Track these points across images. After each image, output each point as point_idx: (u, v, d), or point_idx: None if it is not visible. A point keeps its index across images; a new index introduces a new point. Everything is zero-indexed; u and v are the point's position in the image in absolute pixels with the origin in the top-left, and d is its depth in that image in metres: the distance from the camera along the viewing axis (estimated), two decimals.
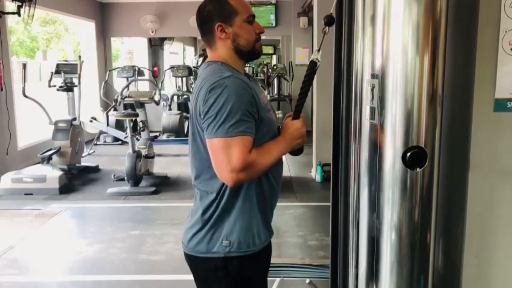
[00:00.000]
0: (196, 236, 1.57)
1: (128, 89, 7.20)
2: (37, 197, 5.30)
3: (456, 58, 1.42)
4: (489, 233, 1.63)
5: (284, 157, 1.61)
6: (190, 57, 16.52)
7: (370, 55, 1.34)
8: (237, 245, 1.53)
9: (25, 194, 5.35)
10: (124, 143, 7.88)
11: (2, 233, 4.32)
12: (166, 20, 10.05)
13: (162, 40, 12.49)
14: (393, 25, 1.29)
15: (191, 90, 10.16)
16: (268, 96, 9.77)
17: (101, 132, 8.46)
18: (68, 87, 6.72)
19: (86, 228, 4.54)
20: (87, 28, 9.69)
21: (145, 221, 4.64)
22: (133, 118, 6.04)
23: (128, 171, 5.47)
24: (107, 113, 7.98)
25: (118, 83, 9.98)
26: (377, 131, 1.34)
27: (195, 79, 9.92)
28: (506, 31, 1.50)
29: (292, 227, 4.35)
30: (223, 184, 1.50)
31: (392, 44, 1.29)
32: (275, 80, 10.09)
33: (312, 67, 1.54)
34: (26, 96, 6.32)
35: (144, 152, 5.87)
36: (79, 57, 7.15)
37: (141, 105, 6.67)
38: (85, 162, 6.91)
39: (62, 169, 5.94)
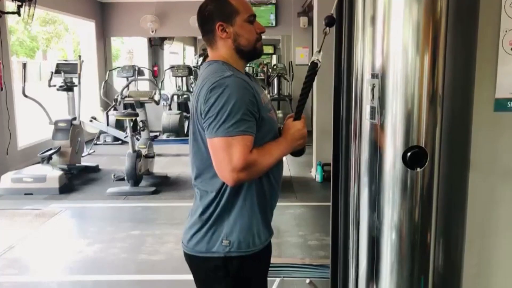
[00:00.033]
0: (196, 236, 1.56)
1: (128, 89, 7.21)
2: (37, 197, 5.30)
3: (456, 58, 1.42)
4: (489, 233, 1.63)
5: (284, 157, 1.61)
6: (190, 57, 16.52)
7: (370, 55, 1.34)
8: (237, 245, 1.53)
9: (25, 194, 5.35)
10: (124, 142, 7.88)
11: (2, 233, 4.32)
12: (166, 20, 10.05)
13: (162, 40, 12.49)
14: (394, 25, 1.29)
15: (191, 90, 10.16)
16: (268, 96, 9.76)
17: (101, 132, 8.46)
18: (68, 87, 6.72)
19: (86, 228, 4.54)
20: (87, 28, 9.69)
21: (145, 221, 4.64)
22: (133, 118, 6.04)
23: (128, 171, 5.47)
24: (107, 113, 7.99)
25: (118, 82, 9.98)
26: (377, 131, 1.34)
27: (195, 78, 9.93)
28: (506, 31, 1.50)
29: (292, 227, 4.35)
30: (224, 183, 1.49)
31: (392, 44, 1.29)
32: (275, 80, 10.09)
33: (313, 68, 1.53)
34: (26, 96, 6.32)
35: (144, 152, 5.87)
36: (79, 56, 7.15)
37: (141, 104, 6.67)
38: (85, 162, 6.91)
39: (62, 169, 5.94)
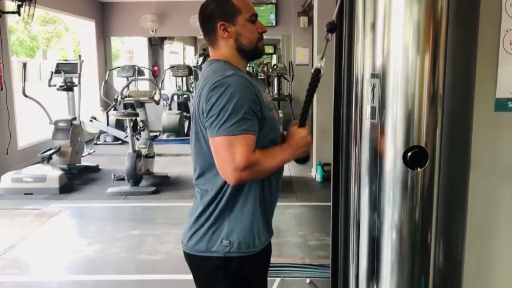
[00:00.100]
0: (196, 235, 1.56)
1: (128, 89, 7.21)
2: (37, 197, 5.30)
3: (456, 58, 1.42)
4: (490, 232, 1.63)
5: None
6: (190, 57, 16.53)
7: (370, 55, 1.34)
8: (237, 245, 1.53)
9: (25, 194, 5.35)
10: (124, 142, 7.89)
11: (2, 233, 4.32)
12: (166, 19, 10.05)
13: (162, 39, 12.49)
14: (394, 25, 1.29)
15: (191, 89, 10.16)
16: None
17: (101, 132, 8.46)
18: (68, 87, 6.72)
19: (86, 227, 4.54)
20: (87, 28, 9.69)
21: (145, 220, 4.64)
22: (133, 118, 6.04)
23: (128, 171, 5.47)
24: (107, 113, 7.99)
25: (118, 82, 9.97)
26: (377, 130, 1.34)
27: (195, 78, 9.92)
28: (507, 31, 1.50)
29: (292, 227, 4.35)
30: (225, 182, 1.49)
31: (393, 43, 1.29)
32: (275, 80, 10.08)
33: (316, 75, 1.52)
34: (26, 96, 6.32)
35: (144, 151, 5.87)
36: (79, 56, 7.15)
37: (141, 104, 6.67)
38: (85, 161, 6.92)
39: (62, 169, 5.94)
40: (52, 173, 5.54)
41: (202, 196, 1.57)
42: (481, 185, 1.58)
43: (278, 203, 1.67)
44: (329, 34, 1.46)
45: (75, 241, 4.17)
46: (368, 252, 1.42)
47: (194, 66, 10.69)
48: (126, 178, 5.54)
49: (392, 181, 1.33)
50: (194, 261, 1.60)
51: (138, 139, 6.44)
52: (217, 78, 1.45)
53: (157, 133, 9.34)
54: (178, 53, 16.01)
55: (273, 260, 1.77)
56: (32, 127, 8.61)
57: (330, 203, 1.74)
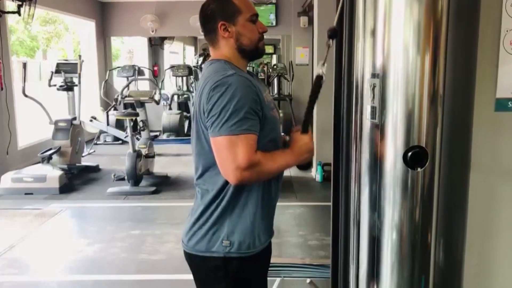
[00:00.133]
0: (196, 235, 1.56)
1: (128, 89, 7.21)
2: (37, 197, 5.30)
3: (457, 58, 1.42)
4: (490, 232, 1.63)
5: None
6: (190, 57, 16.53)
7: (371, 54, 1.34)
8: (237, 245, 1.53)
9: (25, 194, 5.35)
10: (124, 142, 7.89)
11: (2, 233, 4.32)
12: (166, 19, 10.05)
13: (162, 39, 12.49)
14: (394, 25, 1.28)
15: (191, 89, 10.16)
16: None
17: (101, 132, 8.46)
18: (68, 87, 6.72)
19: (86, 227, 4.54)
20: (87, 28, 9.69)
21: (145, 220, 4.64)
22: (133, 118, 6.04)
23: (128, 171, 5.47)
24: (107, 113, 7.99)
25: (118, 82, 9.98)
26: (378, 130, 1.34)
27: (195, 78, 9.92)
28: (507, 31, 1.50)
29: (292, 227, 4.35)
30: (226, 182, 1.49)
31: (393, 43, 1.29)
32: (275, 80, 10.08)
33: (318, 81, 1.52)
34: (26, 96, 6.32)
35: (144, 151, 5.87)
36: (79, 56, 7.15)
37: (141, 104, 6.68)
38: (85, 161, 6.91)
39: (62, 169, 5.94)
40: (52, 173, 5.54)
41: (203, 196, 1.57)
42: (481, 185, 1.58)
43: (278, 203, 1.67)
44: (330, 40, 1.45)
45: (75, 241, 4.17)
46: (368, 252, 1.42)
47: (194, 66, 10.69)
48: (126, 178, 5.54)
49: (392, 181, 1.33)
50: (194, 261, 1.60)
51: (138, 139, 6.44)
52: (218, 78, 1.45)
53: (157, 133, 9.34)
54: (178, 53, 16.01)
55: (273, 260, 1.77)
56: (32, 127, 8.61)
57: (330, 203, 1.74)
